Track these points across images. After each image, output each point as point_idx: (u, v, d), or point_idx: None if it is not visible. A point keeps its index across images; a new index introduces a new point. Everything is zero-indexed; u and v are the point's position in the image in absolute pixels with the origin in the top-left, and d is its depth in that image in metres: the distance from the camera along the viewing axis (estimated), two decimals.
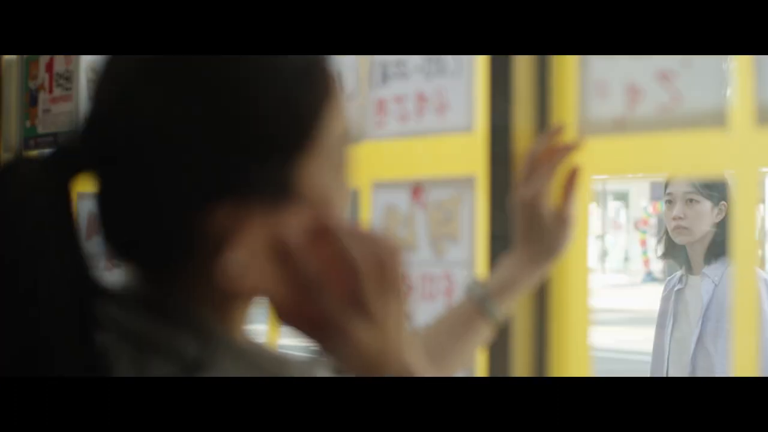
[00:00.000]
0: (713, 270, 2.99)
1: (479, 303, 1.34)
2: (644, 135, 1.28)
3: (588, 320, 1.44)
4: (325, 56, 0.87)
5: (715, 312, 2.96)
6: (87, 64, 2.61)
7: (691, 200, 3.05)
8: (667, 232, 3.12)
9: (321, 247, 0.82)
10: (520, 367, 1.46)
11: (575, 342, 1.45)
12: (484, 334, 1.35)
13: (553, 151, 1.37)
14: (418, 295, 1.65)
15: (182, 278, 0.84)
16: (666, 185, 3.17)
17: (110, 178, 0.83)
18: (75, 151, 0.83)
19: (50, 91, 2.81)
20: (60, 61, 2.78)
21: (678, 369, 3.07)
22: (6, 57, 2.94)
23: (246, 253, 0.80)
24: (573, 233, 1.35)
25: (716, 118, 1.17)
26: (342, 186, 0.88)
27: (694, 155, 1.27)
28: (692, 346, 3.00)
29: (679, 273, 3.17)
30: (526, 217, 1.35)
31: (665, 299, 3.18)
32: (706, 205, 3.04)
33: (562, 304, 1.47)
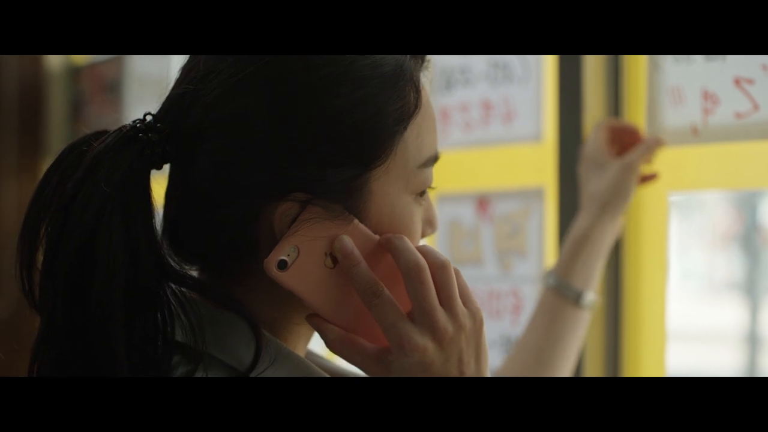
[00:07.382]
0: None
1: (557, 289, 1.38)
2: (721, 145, 1.31)
3: (664, 340, 1.47)
4: (416, 68, 0.92)
5: None
6: (133, 73, 2.68)
7: None
8: None
9: (381, 258, 0.90)
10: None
11: (650, 363, 1.49)
12: (579, 320, 1.38)
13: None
14: (485, 313, 1.68)
15: (245, 277, 0.91)
16: None
17: (182, 166, 0.90)
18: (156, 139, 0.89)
19: (96, 100, 2.89)
20: (106, 71, 2.85)
21: None
22: (51, 67, 3.02)
23: (300, 247, 0.87)
24: (636, 180, 1.39)
25: None
26: (413, 212, 0.92)
27: None
28: None
29: None
30: (593, 168, 1.40)
31: None
32: None
33: (638, 325, 1.50)
